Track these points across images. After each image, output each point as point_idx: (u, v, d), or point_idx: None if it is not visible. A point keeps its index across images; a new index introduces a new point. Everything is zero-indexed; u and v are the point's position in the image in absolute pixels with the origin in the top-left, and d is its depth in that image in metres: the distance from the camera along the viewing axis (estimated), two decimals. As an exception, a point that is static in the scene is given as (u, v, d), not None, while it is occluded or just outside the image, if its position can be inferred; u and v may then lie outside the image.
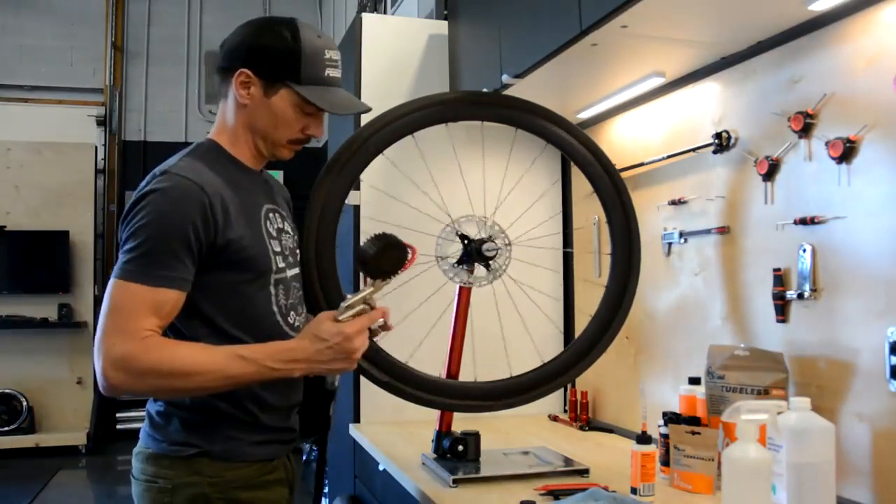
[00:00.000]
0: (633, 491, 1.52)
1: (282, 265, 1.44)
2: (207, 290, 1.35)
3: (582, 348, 1.75)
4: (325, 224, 1.61)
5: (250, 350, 1.30)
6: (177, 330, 1.35)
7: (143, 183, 1.35)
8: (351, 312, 1.33)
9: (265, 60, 1.40)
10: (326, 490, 3.53)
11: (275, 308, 1.42)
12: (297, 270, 1.51)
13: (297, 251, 1.53)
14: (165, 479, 1.34)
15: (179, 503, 1.34)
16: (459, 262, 1.76)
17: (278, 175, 6.88)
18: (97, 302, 6.30)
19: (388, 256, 1.39)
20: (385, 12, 4.74)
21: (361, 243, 1.35)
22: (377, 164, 1.74)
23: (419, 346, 2.12)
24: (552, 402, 2.46)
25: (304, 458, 4.09)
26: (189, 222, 1.29)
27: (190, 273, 1.31)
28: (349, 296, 1.36)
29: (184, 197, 1.30)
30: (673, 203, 1.95)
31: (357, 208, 2.40)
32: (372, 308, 1.38)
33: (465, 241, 1.75)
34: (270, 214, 1.46)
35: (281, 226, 1.48)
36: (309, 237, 1.60)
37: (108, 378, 1.25)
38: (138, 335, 1.25)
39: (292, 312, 1.47)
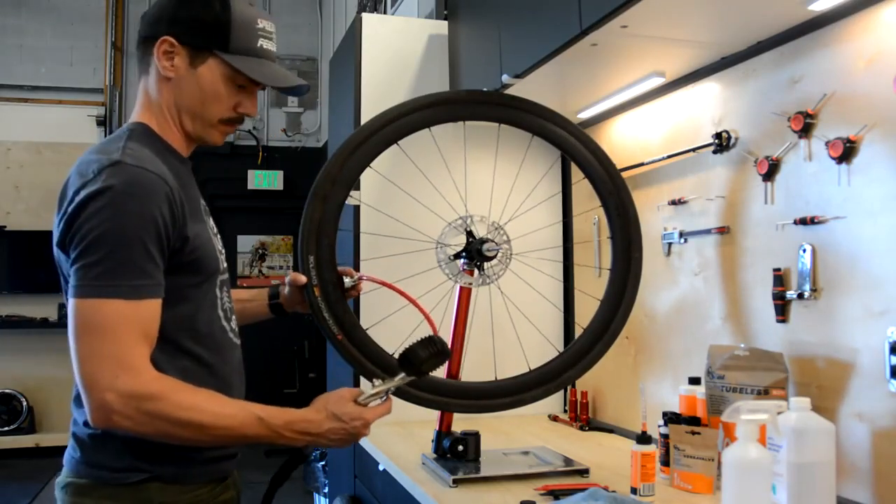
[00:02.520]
0: (633, 491, 1.52)
1: (224, 265, 1.34)
2: None
3: (582, 349, 1.75)
4: (325, 226, 1.61)
5: (268, 413, 1.23)
6: None
7: (84, 175, 1.14)
8: (376, 401, 1.30)
9: (191, 27, 1.24)
10: (326, 490, 3.54)
11: (220, 312, 1.30)
12: (227, 272, 1.38)
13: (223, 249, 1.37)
14: None
15: None
16: (457, 256, 1.76)
17: (277, 174, 6.89)
18: (97, 302, 6.30)
19: (433, 361, 1.32)
20: (385, 12, 4.74)
21: (412, 343, 1.30)
22: (379, 162, 1.74)
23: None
24: (552, 402, 2.46)
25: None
26: (158, 220, 1.14)
27: (163, 277, 1.16)
28: (377, 381, 1.31)
29: (147, 191, 1.14)
30: (673, 203, 1.95)
31: (357, 208, 2.39)
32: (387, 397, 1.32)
33: (466, 241, 1.75)
34: (206, 209, 1.33)
35: (213, 223, 1.35)
36: (308, 239, 1.60)
37: (112, 414, 1.10)
38: (145, 369, 1.12)
39: (233, 316, 1.36)
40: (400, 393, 1.65)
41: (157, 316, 1.16)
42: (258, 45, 1.30)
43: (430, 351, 1.30)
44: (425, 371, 1.32)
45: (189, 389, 1.17)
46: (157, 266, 1.15)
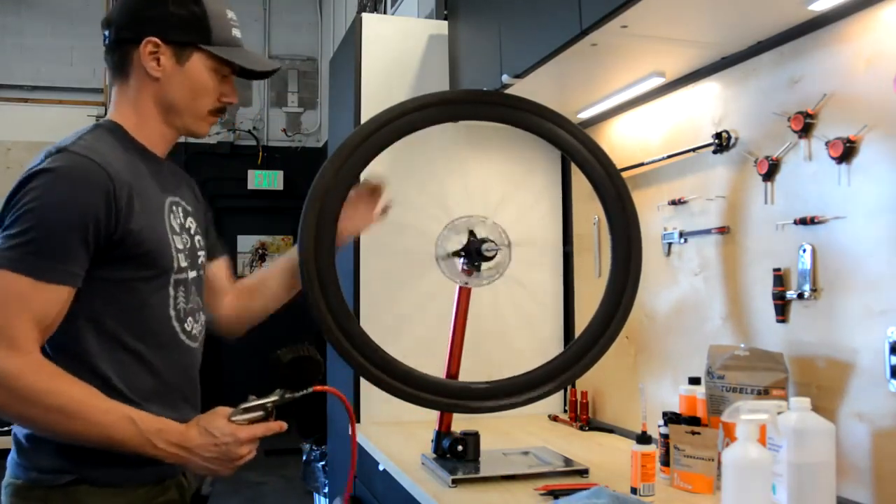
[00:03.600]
0: (633, 491, 1.52)
1: (184, 264, 1.31)
2: (97, 286, 1.18)
3: (582, 348, 1.75)
4: (325, 226, 1.61)
5: (141, 417, 1.16)
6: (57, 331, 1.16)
7: (34, 161, 1.17)
8: (246, 417, 1.23)
9: (172, 25, 1.26)
10: (326, 490, 3.54)
11: (171, 312, 1.28)
12: (197, 273, 1.37)
13: (199, 253, 1.39)
14: None
15: None
16: (455, 253, 1.76)
17: (277, 174, 6.89)
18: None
19: (300, 369, 1.25)
20: (385, 12, 4.74)
21: (279, 350, 1.27)
22: (378, 162, 1.74)
23: (419, 346, 2.12)
24: (552, 402, 2.46)
25: (305, 457, 4.09)
26: (89, 209, 1.14)
27: (82, 268, 1.16)
28: (252, 397, 1.25)
29: (85, 179, 1.14)
30: (673, 203, 1.95)
31: (357, 208, 2.39)
32: (268, 417, 1.25)
33: (469, 240, 1.75)
34: (174, 207, 1.33)
35: (183, 221, 1.34)
36: (307, 240, 1.60)
37: None
38: (25, 348, 1.10)
39: (189, 318, 1.33)
40: (400, 393, 1.65)
41: (59, 302, 1.14)
42: (233, 34, 1.34)
43: (291, 355, 1.25)
44: (295, 382, 1.26)
45: (65, 378, 1.13)
46: (75, 254, 1.14)
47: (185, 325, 1.32)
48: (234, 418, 1.22)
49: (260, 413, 1.24)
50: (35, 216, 1.12)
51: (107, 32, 1.31)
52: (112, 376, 1.21)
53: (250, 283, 1.61)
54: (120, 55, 1.30)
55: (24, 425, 1.18)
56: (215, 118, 1.37)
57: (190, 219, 1.38)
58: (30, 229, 1.11)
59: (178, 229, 1.32)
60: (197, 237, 1.39)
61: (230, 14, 1.34)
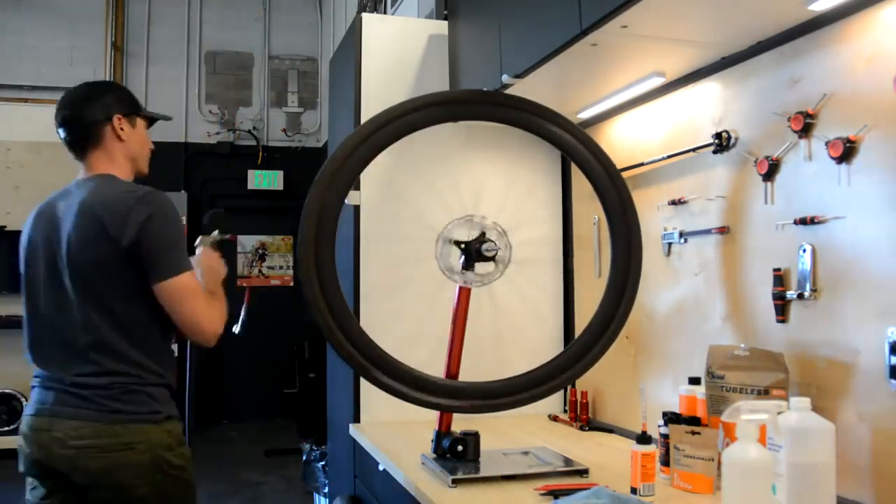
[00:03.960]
0: (633, 491, 1.52)
1: None
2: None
3: (582, 348, 1.75)
4: (325, 226, 1.61)
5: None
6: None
7: (147, 198, 1.73)
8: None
9: (125, 104, 1.88)
10: (326, 490, 3.53)
11: None
12: None
13: None
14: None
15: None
16: (457, 243, 1.76)
17: (277, 174, 6.91)
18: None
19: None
20: (385, 12, 4.74)
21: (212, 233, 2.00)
22: (379, 162, 1.74)
23: (419, 347, 2.12)
24: (552, 402, 2.46)
25: (305, 457, 4.09)
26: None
27: None
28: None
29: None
30: (673, 203, 1.95)
31: (357, 208, 2.39)
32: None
33: (462, 246, 1.75)
34: None
35: None
36: (308, 239, 1.60)
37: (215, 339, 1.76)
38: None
39: None
40: (400, 394, 1.65)
41: None
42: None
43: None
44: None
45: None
46: None
47: None
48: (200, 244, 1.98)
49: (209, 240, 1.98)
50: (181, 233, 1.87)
51: (75, 125, 1.85)
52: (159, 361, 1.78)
53: None
54: (94, 133, 1.84)
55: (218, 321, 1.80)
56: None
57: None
58: (182, 241, 1.82)
59: None
60: None
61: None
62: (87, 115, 1.83)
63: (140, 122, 1.90)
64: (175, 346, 1.89)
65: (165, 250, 1.70)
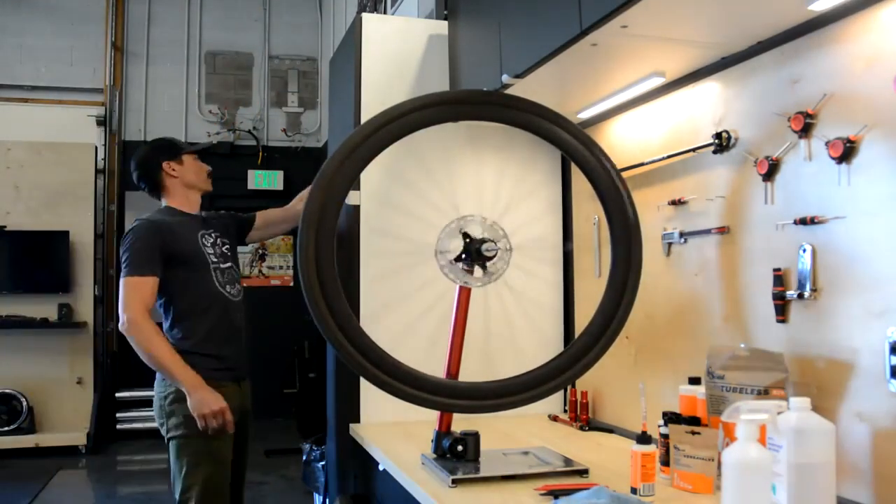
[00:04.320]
0: (633, 491, 1.52)
1: (215, 260, 2.48)
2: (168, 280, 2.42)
3: (582, 348, 1.75)
4: (325, 226, 1.61)
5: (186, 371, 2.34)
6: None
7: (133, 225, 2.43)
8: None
9: (169, 151, 2.55)
10: (326, 490, 3.53)
11: (216, 284, 2.46)
12: (230, 265, 2.54)
13: (228, 254, 2.55)
14: None
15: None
16: (458, 259, 1.76)
17: (277, 174, 6.91)
18: (97, 302, 6.31)
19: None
20: (385, 12, 4.75)
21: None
22: (379, 162, 1.74)
23: (419, 347, 2.12)
24: (552, 402, 2.46)
25: (305, 457, 4.09)
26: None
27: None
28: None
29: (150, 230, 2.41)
30: (673, 203, 1.95)
31: (357, 208, 2.39)
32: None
33: (468, 240, 1.75)
34: (205, 235, 2.51)
35: (214, 241, 2.52)
36: (308, 239, 1.60)
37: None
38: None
39: (227, 286, 2.49)
40: (400, 393, 1.65)
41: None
42: (184, 143, 2.72)
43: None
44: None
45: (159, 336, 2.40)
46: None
47: (226, 288, 2.49)
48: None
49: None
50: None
51: (143, 184, 2.57)
52: (181, 329, 2.43)
53: (276, 214, 2.85)
54: (155, 181, 2.54)
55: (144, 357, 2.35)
56: (210, 178, 2.64)
57: (220, 238, 2.56)
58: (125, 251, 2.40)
59: (208, 244, 2.50)
60: (226, 247, 2.56)
61: (176, 140, 2.72)
62: (146, 170, 2.55)
63: (186, 157, 2.55)
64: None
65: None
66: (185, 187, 2.53)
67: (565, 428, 2.31)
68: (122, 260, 2.35)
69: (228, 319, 2.47)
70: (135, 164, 2.56)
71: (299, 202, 2.73)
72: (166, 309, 2.45)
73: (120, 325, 2.30)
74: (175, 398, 2.35)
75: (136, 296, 2.30)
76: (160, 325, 2.43)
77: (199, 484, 2.33)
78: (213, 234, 2.53)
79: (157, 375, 2.43)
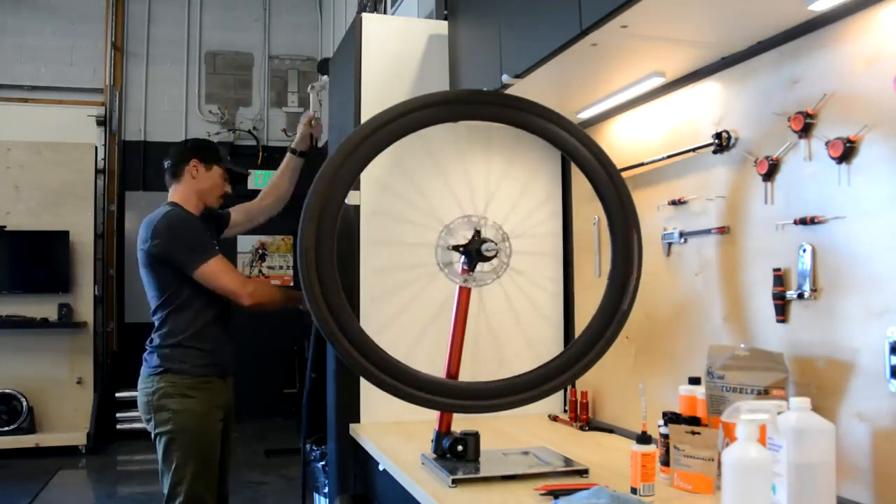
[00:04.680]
0: (633, 491, 1.52)
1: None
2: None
3: (582, 348, 1.75)
4: (325, 226, 1.60)
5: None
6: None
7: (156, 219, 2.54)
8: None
9: (204, 153, 2.66)
10: (326, 490, 3.53)
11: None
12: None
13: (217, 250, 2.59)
14: None
15: None
16: (455, 248, 1.76)
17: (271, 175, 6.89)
18: (97, 302, 6.31)
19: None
20: (385, 12, 4.74)
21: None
22: (378, 162, 1.74)
23: (419, 347, 2.12)
24: (552, 402, 2.46)
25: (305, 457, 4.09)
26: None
27: None
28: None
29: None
30: (673, 203, 1.95)
31: (357, 208, 2.39)
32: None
33: (460, 250, 1.75)
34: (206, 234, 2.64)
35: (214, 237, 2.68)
36: (308, 238, 1.60)
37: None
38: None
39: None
40: (400, 393, 1.65)
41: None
42: (228, 158, 2.77)
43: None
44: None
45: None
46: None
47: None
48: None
49: None
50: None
51: (169, 161, 2.66)
52: (174, 322, 2.53)
53: (263, 192, 2.97)
54: (178, 168, 2.62)
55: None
56: (223, 199, 2.74)
57: (211, 237, 2.64)
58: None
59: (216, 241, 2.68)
60: (216, 246, 2.61)
61: (223, 151, 2.78)
62: (176, 157, 2.65)
63: (217, 168, 2.66)
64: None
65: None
66: (196, 192, 2.62)
67: (565, 428, 2.31)
68: (181, 251, 2.44)
69: (219, 316, 2.58)
70: (177, 147, 2.71)
71: (267, 196, 2.91)
72: (165, 302, 2.49)
73: (245, 305, 2.50)
74: (163, 394, 2.39)
75: (229, 275, 2.49)
76: (152, 324, 2.55)
77: (188, 479, 2.38)
78: (208, 233, 2.64)
79: (142, 372, 2.48)
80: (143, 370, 2.50)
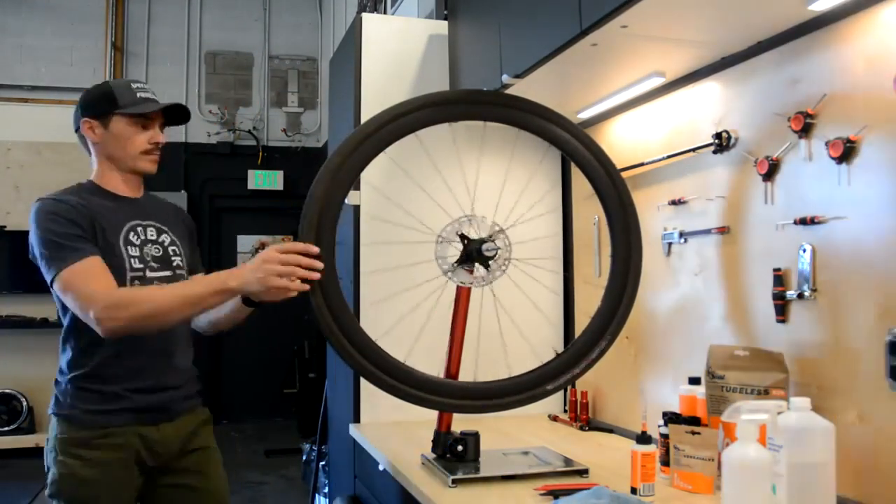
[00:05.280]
0: (633, 491, 1.52)
1: (138, 266, 1.80)
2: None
3: (582, 349, 1.75)
4: (324, 227, 1.60)
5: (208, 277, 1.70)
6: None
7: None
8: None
9: (93, 105, 1.84)
10: (326, 490, 3.54)
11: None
12: (171, 273, 1.85)
13: (174, 259, 1.87)
14: None
15: None
16: (458, 259, 1.76)
17: (277, 174, 6.90)
18: (97, 302, 6.30)
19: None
20: (385, 12, 4.74)
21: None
22: (378, 162, 1.74)
23: (418, 347, 2.12)
24: (552, 402, 2.46)
25: (305, 457, 4.10)
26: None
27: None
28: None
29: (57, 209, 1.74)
30: (673, 203, 1.95)
31: (357, 208, 2.39)
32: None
33: (465, 241, 1.75)
34: (136, 228, 1.84)
35: (146, 238, 1.84)
36: (308, 238, 1.60)
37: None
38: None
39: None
40: (400, 393, 1.65)
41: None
42: (138, 96, 1.84)
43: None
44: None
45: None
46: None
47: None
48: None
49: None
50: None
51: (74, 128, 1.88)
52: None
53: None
54: (80, 138, 1.88)
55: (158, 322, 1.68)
56: (153, 156, 1.86)
57: (164, 235, 1.89)
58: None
59: (136, 242, 1.82)
60: (172, 247, 1.89)
61: (135, 85, 1.85)
62: (74, 122, 1.89)
63: (118, 119, 1.81)
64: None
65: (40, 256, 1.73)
66: (107, 160, 1.84)
67: (565, 428, 2.31)
68: (41, 257, 1.72)
69: (145, 337, 1.76)
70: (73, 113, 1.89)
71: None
72: (64, 316, 1.80)
73: (101, 329, 1.63)
74: (51, 446, 1.75)
75: (85, 280, 1.66)
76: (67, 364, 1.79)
77: None
78: (151, 227, 1.87)
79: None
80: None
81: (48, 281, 1.70)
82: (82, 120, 1.84)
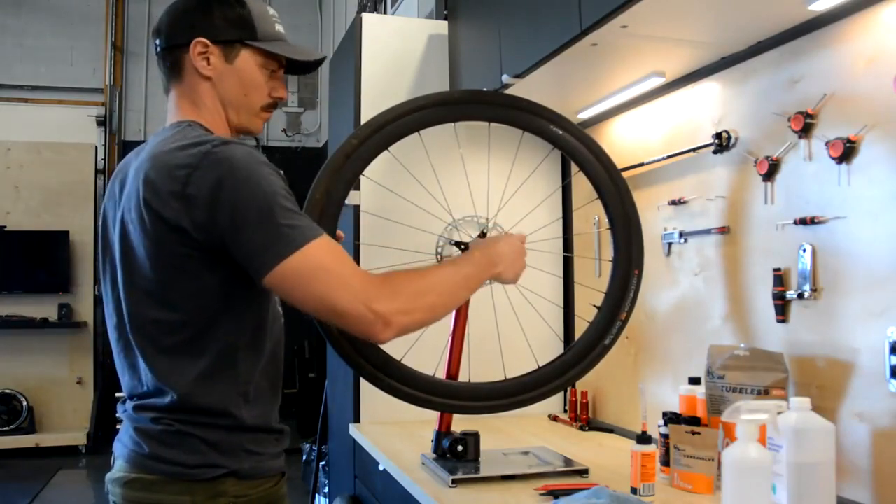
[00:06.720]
0: (633, 491, 1.52)
1: None
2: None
3: (583, 350, 1.75)
4: (325, 224, 1.60)
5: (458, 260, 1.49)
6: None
7: (195, 162, 1.16)
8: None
9: (219, 26, 1.30)
10: (326, 490, 3.54)
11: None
12: None
13: None
14: None
15: None
16: (458, 245, 1.76)
17: (278, 174, 6.89)
18: (97, 302, 6.30)
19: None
20: (385, 12, 4.74)
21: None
22: (378, 162, 1.74)
23: (419, 347, 2.12)
24: (552, 402, 2.45)
25: (305, 457, 4.10)
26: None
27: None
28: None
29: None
30: (673, 203, 1.95)
31: (357, 208, 2.39)
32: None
33: (462, 248, 1.75)
34: None
35: None
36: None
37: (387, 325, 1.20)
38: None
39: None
40: (400, 394, 1.65)
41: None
42: (276, 29, 1.36)
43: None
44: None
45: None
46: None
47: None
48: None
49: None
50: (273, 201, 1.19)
51: (158, 41, 1.35)
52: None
53: None
54: (172, 59, 1.33)
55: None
56: (268, 114, 1.39)
57: None
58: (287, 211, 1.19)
59: None
60: None
61: (271, 10, 1.37)
62: (167, 32, 1.34)
63: (247, 55, 1.32)
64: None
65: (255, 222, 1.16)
66: (221, 106, 1.33)
67: (565, 428, 2.31)
68: (270, 219, 1.15)
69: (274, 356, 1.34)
70: (169, 12, 1.35)
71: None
72: (187, 324, 1.22)
73: (382, 339, 1.22)
74: None
75: (346, 266, 1.20)
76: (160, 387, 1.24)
77: None
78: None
79: (125, 455, 1.25)
80: (125, 450, 1.25)
81: (272, 259, 1.14)
82: (196, 39, 1.29)
